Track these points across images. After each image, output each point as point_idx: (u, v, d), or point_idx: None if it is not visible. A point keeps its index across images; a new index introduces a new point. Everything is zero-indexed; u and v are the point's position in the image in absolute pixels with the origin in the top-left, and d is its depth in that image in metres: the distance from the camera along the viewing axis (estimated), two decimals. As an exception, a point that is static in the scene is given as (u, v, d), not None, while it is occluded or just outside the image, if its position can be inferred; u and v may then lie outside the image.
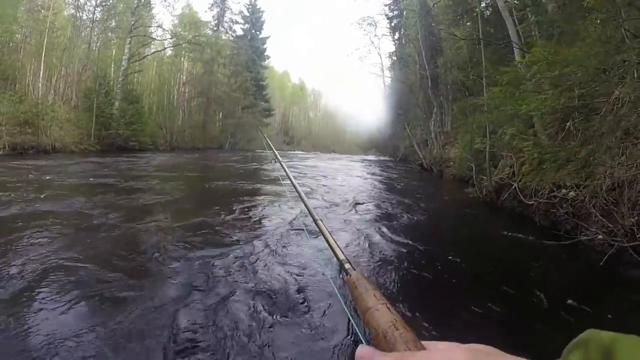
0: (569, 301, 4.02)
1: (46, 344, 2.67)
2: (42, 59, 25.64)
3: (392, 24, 35.80)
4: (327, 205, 9.11)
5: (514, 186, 8.45)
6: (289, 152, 49.60)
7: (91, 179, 11.25)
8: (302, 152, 48.26)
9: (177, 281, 3.95)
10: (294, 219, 6.74)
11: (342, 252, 0.71)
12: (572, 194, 6.36)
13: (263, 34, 49.80)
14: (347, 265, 0.66)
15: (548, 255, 5.65)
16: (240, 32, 48.05)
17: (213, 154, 29.82)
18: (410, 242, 6.32)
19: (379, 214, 8.47)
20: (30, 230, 5.19)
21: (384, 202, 10.24)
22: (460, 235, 7.20)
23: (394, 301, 3.96)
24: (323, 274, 4.26)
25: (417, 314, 3.65)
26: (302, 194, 1.17)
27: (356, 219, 7.68)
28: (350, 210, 8.60)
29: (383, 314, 0.51)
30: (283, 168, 1.58)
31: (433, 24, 24.71)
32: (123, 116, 27.29)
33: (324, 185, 13.14)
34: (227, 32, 47.06)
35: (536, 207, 7.38)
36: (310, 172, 18.39)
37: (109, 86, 27.87)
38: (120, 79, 29.82)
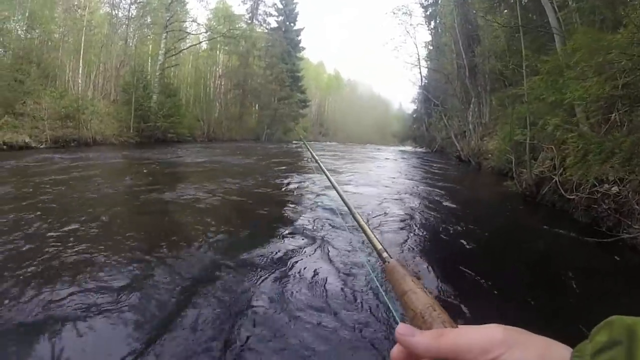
0: (606, 298, 3.90)
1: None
2: (81, 56, 26.57)
3: (428, 13, 35.02)
4: (366, 197, 9.18)
5: (554, 180, 8.17)
6: (325, 143, 49.69)
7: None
8: (337, 143, 48.18)
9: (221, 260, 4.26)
10: (333, 213, 6.78)
11: (379, 242, 0.74)
12: (615, 189, 6.07)
13: (297, 26, 49.81)
14: (384, 254, 0.69)
15: (588, 252, 5.46)
16: (274, 25, 48.23)
17: (250, 145, 30.17)
18: (447, 234, 6.31)
19: (417, 207, 8.43)
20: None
21: (421, 195, 10.16)
22: (498, 229, 7.04)
23: (432, 287, 4.06)
24: (364, 264, 4.35)
25: (453, 300, 3.76)
26: (340, 191, 1.21)
27: (394, 211, 7.72)
28: (388, 202, 8.66)
29: (420, 297, 0.54)
30: (321, 168, 1.59)
31: (469, 12, 24.11)
32: (161, 109, 27.91)
33: (362, 177, 13.20)
34: (261, 25, 47.40)
35: (577, 202, 7.11)
36: (348, 164, 18.43)
37: (146, 80, 28.57)
38: (157, 73, 30.49)
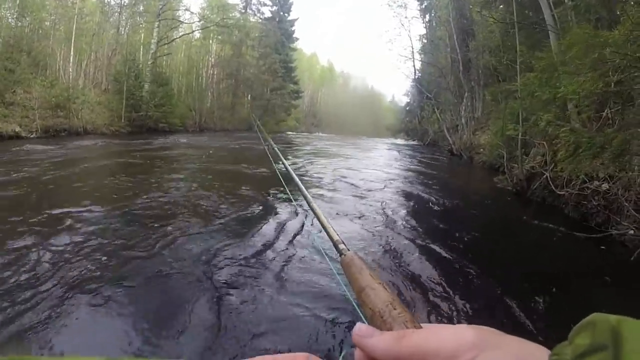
0: (592, 292, 3.97)
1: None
2: (72, 44, 26.15)
3: (423, 6, 34.87)
4: (354, 187, 9.30)
5: (545, 175, 8.26)
6: (317, 134, 49.62)
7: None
8: (329, 135, 48.14)
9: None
10: (290, 205, 6.76)
11: (336, 233, 0.71)
12: (605, 186, 6.16)
13: (291, 16, 49.50)
14: (341, 246, 0.65)
15: (577, 247, 5.55)
16: (268, 14, 47.80)
17: (240, 135, 30.06)
18: (433, 226, 6.39)
19: (404, 199, 8.55)
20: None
21: (410, 187, 10.26)
22: (487, 223, 7.13)
23: (408, 283, 4.08)
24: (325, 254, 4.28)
25: (427, 297, 3.77)
26: (296, 178, 1.19)
27: (380, 201, 7.82)
28: (376, 193, 8.78)
29: (379, 293, 0.49)
30: (277, 152, 1.60)
31: (465, 6, 24.09)
32: (153, 98, 27.64)
33: (350, 167, 13.26)
34: (255, 14, 46.96)
35: (567, 198, 7.20)
36: (338, 155, 18.51)
37: (138, 69, 28.20)
38: (149, 62, 30.18)
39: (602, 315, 0.36)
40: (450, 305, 3.62)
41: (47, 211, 5.38)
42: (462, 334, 0.39)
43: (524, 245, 5.61)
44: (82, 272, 3.60)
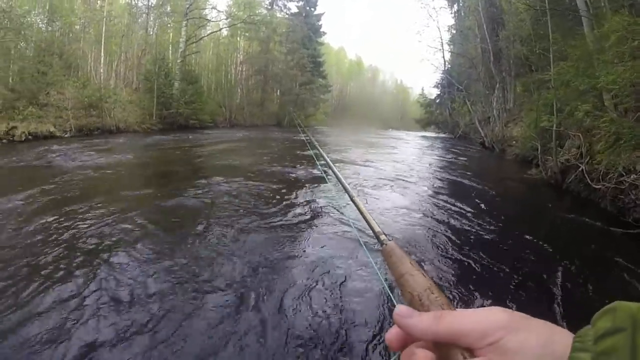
0: (627, 289, 3.86)
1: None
2: (102, 46, 26.82)
3: (451, -5, 34.37)
4: (388, 180, 9.38)
5: (580, 168, 8.01)
6: (346, 127, 49.55)
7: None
8: (358, 128, 47.97)
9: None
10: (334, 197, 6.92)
11: (377, 224, 0.73)
12: (644, 179, 5.92)
13: (317, 11, 49.29)
14: (382, 237, 0.68)
15: (613, 242, 5.39)
16: (294, 10, 47.67)
17: (271, 130, 30.30)
18: (467, 218, 6.32)
19: (438, 192, 8.53)
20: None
21: (443, 180, 10.20)
22: (521, 216, 7.01)
23: (443, 270, 4.24)
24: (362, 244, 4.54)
25: (461, 284, 3.90)
26: (340, 175, 1.19)
27: (417, 194, 8.03)
28: (411, 185, 8.89)
29: (418, 279, 0.52)
30: (320, 153, 1.59)
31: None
32: (183, 96, 28.03)
33: (385, 161, 13.28)
34: (281, 10, 46.91)
35: (604, 191, 6.96)
36: (372, 148, 18.57)
37: (168, 68, 28.68)
38: (178, 61, 30.63)
39: (624, 302, 0.39)
40: (483, 292, 3.72)
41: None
42: (493, 316, 0.42)
43: (557, 239, 5.46)
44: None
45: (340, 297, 3.47)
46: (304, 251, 4.54)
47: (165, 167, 10.87)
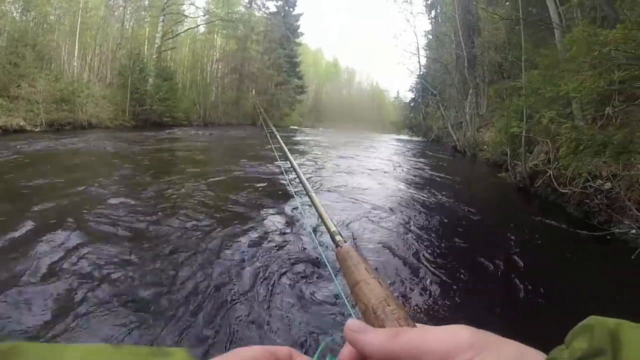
0: (594, 292, 3.98)
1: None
2: (77, 38, 26.27)
3: (429, 2, 34.86)
4: (357, 181, 9.53)
5: (548, 173, 8.25)
6: (320, 129, 49.57)
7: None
8: (333, 130, 48.12)
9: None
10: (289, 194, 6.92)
11: (333, 224, 0.70)
12: (607, 185, 6.16)
13: (296, 11, 49.34)
14: (337, 237, 0.64)
15: (578, 245, 5.56)
16: (273, 9, 47.61)
17: (244, 130, 30.10)
18: (435, 221, 6.42)
19: (408, 193, 8.61)
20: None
21: (413, 181, 10.30)
22: (489, 219, 7.15)
23: (404, 276, 4.15)
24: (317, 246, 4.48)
25: (422, 293, 3.80)
26: (296, 166, 1.16)
27: (384, 196, 8.01)
28: (379, 188, 8.96)
29: (374, 289, 0.48)
30: (280, 143, 1.60)
31: (470, 2, 23.99)
32: (157, 92, 27.64)
33: (357, 163, 13.40)
34: (260, 9, 46.81)
35: (570, 196, 7.21)
36: (345, 150, 18.74)
37: (143, 63, 28.24)
38: (154, 56, 30.24)
39: (600, 318, 0.35)
40: (445, 302, 3.64)
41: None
42: (457, 335, 0.38)
43: (525, 241, 5.61)
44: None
45: (292, 305, 3.33)
46: (257, 253, 4.38)
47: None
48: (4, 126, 16.30)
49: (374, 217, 6.26)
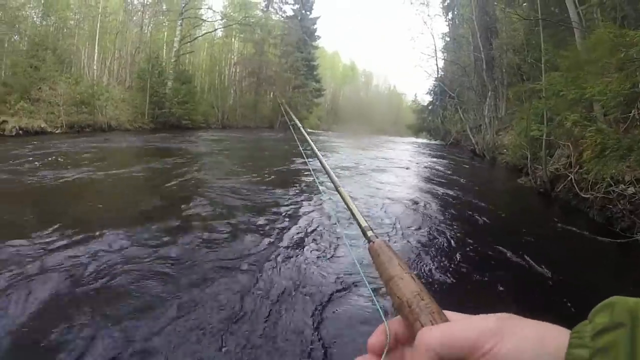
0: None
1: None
2: (96, 42, 26.84)
3: (445, 4, 34.61)
4: (378, 183, 9.57)
5: (569, 178, 8.09)
6: (339, 132, 49.62)
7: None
8: (351, 133, 48.09)
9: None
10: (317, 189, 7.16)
11: (364, 219, 0.69)
12: (630, 189, 5.99)
13: (313, 15, 49.38)
14: (369, 233, 0.64)
15: (600, 251, 5.43)
16: (290, 13, 47.69)
17: (263, 133, 30.32)
18: (454, 223, 6.35)
19: (427, 198, 8.54)
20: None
21: (433, 186, 10.21)
22: (509, 223, 7.04)
23: (429, 274, 4.21)
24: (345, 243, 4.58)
25: (448, 290, 3.89)
26: (325, 163, 1.12)
27: (405, 199, 7.99)
28: (400, 190, 9.00)
29: (408, 284, 0.50)
30: (311, 145, 1.56)
31: (488, 3, 23.75)
32: (176, 95, 27.98)
33: (377, 166, 13.47)
34: (276, 13, 46.99)
35: (592, 201, 7.03)
36: (364, 153, 18.76)
37: (161, 67, 28.63)
38: (172, 60, 30.61)
39: (621, 297, 0.39)
40: (469, 302, 3.69)
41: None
42: (483, 323, 0.41)
43: (545, 248, 5.50)
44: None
45: (323, 305, 3.34)
46: (287, 250, 4.49)
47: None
48: (25, 128, 16.68)
49: (396, 221, 6.24)
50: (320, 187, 6.21)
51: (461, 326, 0.42)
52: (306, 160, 2.09)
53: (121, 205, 6.25)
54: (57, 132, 18.14)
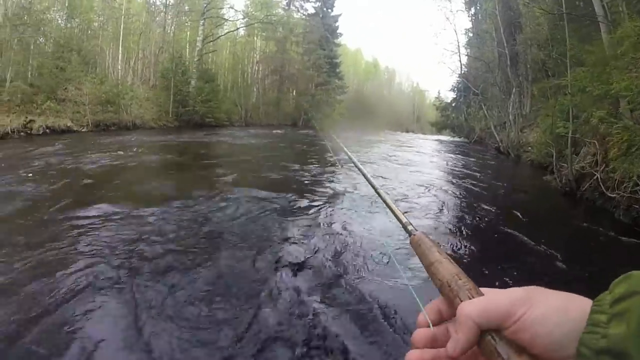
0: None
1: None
2: (120, 43, 27.56)
3: (468, -1, 34.12)
4: (405, 181, 9.66)
5: (595, 176, 7.88)
6: (362, 130, 49.54)
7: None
8: (374, 130, 47.89)
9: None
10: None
11: (403, 215, 0.74)
12: (659, 190, 5.81)
13: (334, 12, 49.17)
14: (409, 227, 0.69)
15: (624, 252, 5.29)
16: (311, 10, 47.56)
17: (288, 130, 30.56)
18: (479, 220, 6.40)
19: (452, 193, 8.59)
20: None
21: (457, 183, 10.17)
22: (533, 221, 6.91)
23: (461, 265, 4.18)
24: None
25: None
26: (364, 170, 1.15)
27: (431, 194, 8.21)
28: (426, 186, 9.02)
29: (447, 267, 0.55)
30: (344, 150, 1.59)
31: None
32: (199, 94, 28.41)
33: (403, 163, 13.74)
34: (298, 11, 46.97)
35: (618, 201, 6.84)
36: (390, 150, 18.83)
37: (185, 66, 29.15)
38: (195, 59, 31.04)
39: (639, 271, 0.42)
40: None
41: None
42: (514, 295, 0.47)
43: (569, 246, 5.41)
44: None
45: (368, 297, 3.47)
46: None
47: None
48: (52, 127, 17.20)
49: (425, 217, 6.37)
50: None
51: (495, 297, 0.48)
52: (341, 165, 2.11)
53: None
54: (83, 130, 18.65)
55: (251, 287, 3.49)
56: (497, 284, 3.83)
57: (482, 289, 0.51)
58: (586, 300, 0.45)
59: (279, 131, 26.73)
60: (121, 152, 11.41)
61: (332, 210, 6.33)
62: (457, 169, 13.81)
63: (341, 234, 5.05)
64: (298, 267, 3.94)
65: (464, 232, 5.56)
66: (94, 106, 20.56)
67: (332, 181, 8.92)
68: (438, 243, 0.62)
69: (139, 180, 8.07)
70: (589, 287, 3.87)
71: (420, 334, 0.52)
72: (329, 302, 3.28)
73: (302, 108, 42.46)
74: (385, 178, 9.76)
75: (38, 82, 19.46)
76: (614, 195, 6.94)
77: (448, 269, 0.55)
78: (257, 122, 37.04)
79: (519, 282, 3.86)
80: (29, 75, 19.97)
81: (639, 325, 0.38)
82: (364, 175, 1.05)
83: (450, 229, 5.74)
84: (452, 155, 19.71)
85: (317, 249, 4.47)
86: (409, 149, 21.15)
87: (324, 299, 3.35)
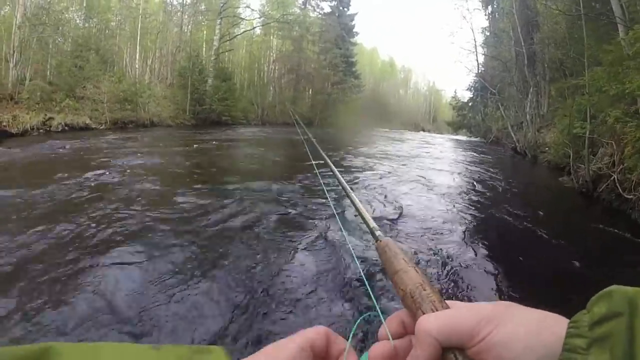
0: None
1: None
2: (137, 42, 27.99)
3: (485, -3, 33.81)
4: (418, 181, 9.61)
5: (612, 177, 7.81)
6: (378, 129, 49.36)
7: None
8: (390, 130, 47.73)
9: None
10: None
11: (372, 220, 0.72)
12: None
13: (351, 11, 49.03)
14: (377, 232, 0.67)
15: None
16: (327, 9, 47.52)
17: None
18: (494, 224, 6.38)
19: (469, 193, 8.62)
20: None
21: (475, 182, 10.15)
22: (549, 222, 6.90)
23: (466, 266, 4.33)
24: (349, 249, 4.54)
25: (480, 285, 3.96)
26: (334, 168, 1.19)
27: (448, 195, 8.19)
28: (439, 188, 8.92)
29: (411, 276, 0.52)
30: (317, 148, 1.62)
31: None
32: (216, 92, 28.70)
33: (419, 164, 13.66)
34: (314, 10, 46.97)
35: (634, 202, 6.78)
36: (405, 150, 18.95)
37: (202, 65, 29.47)
38: (212, 58, 31.34)
39: (619, 287, 0.39)
40: (511, 290, 3.81)
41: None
42: (481, 311, 0.42)
43: (584, 248, 5.38)
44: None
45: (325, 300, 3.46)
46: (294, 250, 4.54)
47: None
48: (70, 124, 17.59)
49: (431, 217, 6.33)
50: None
51: (459, 313, 0.43)
52: (318, 171, 2.10)
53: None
54: (101, 127, 19.01)
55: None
56: (512, 281, 3.92)
57: (449, 302, 0.48)
58: (562, 320, 0.40)
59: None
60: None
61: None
62: (473, 168, 13.84)
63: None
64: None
65: (476, 232, 5.60)
66: (112, 104, 20.89)
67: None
68: (406, 251, 0.60)
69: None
70: (601, 288, 3.88)
71: (378, 348, 0.48)
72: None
73: (318, 107, 42.51)
74: (398, 178, 9.89)
75: (57, 81, 19.90)
76: (631, 196, 6.88)
77: (412, 279, 0.52)
78: (273, 121, 37.15)
79: (534, 281, 3.95)
80: (48, 74, 20.42)
81: (626, 356, 0.33)
82: (338, 179, 1.06)
83: (462, 228, 5.76)
84: (468, 154, 19.72)
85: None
86: (432, 147, 21.20)
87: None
